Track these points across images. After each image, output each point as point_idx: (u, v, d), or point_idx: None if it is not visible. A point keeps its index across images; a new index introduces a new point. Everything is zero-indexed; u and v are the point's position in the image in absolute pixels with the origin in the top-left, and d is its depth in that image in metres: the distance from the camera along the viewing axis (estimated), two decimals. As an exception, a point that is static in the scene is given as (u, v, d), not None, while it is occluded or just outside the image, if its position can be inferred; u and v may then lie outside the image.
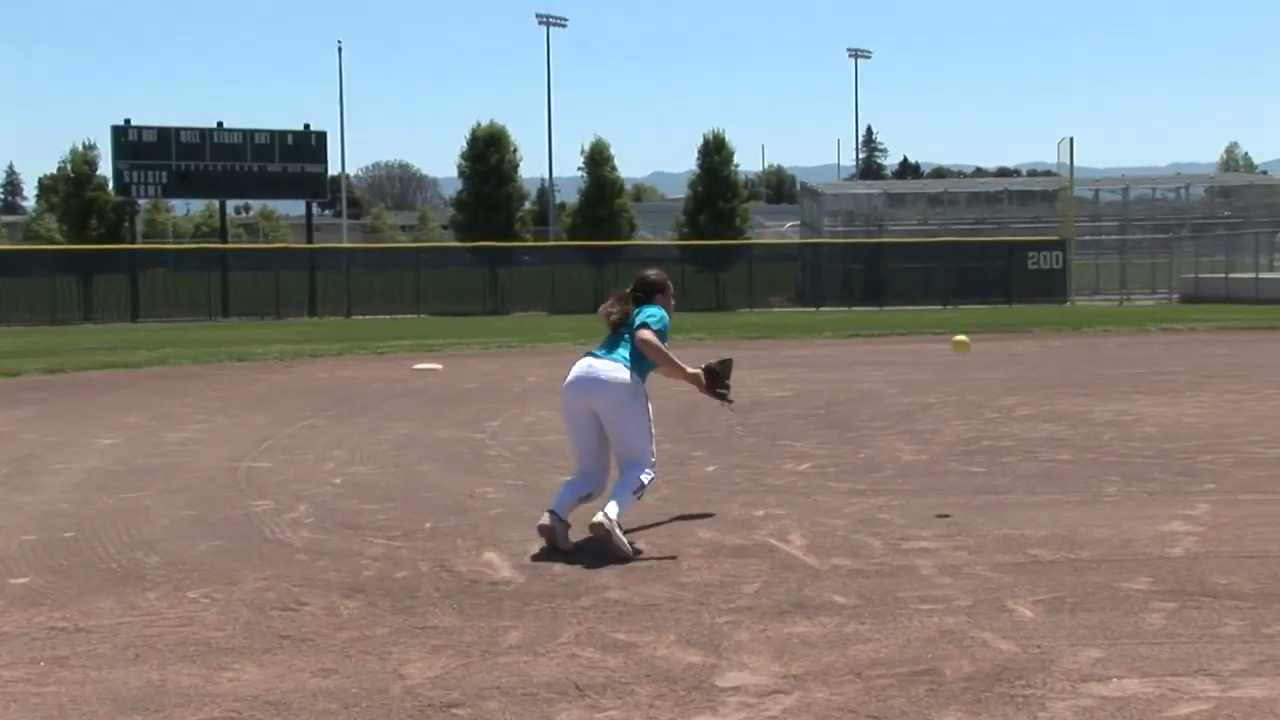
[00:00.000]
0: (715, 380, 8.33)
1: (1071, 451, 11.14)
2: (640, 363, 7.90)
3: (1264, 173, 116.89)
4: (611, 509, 7.49)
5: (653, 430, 7.93)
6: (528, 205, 67.82)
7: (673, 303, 8.37)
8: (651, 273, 8.38)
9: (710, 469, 10.56)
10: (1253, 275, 46.45)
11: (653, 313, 8.07)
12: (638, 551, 7.40)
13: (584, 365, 7.95)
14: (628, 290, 8.30)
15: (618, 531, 7.40)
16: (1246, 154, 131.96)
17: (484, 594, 6.66)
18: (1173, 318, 35.09)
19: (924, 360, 22.20)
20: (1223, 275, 49.06)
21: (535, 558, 7.40)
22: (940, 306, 48.08)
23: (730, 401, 8.50)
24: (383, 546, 7.83)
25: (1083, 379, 18.04)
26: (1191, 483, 9.45)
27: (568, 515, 7.66)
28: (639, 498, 7.80)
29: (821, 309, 48.90)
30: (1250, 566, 6.88)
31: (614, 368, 7.84)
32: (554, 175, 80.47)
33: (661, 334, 7.92)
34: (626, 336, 8.00)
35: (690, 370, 8.13)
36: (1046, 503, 8.77)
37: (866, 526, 8.08)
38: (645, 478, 7.78)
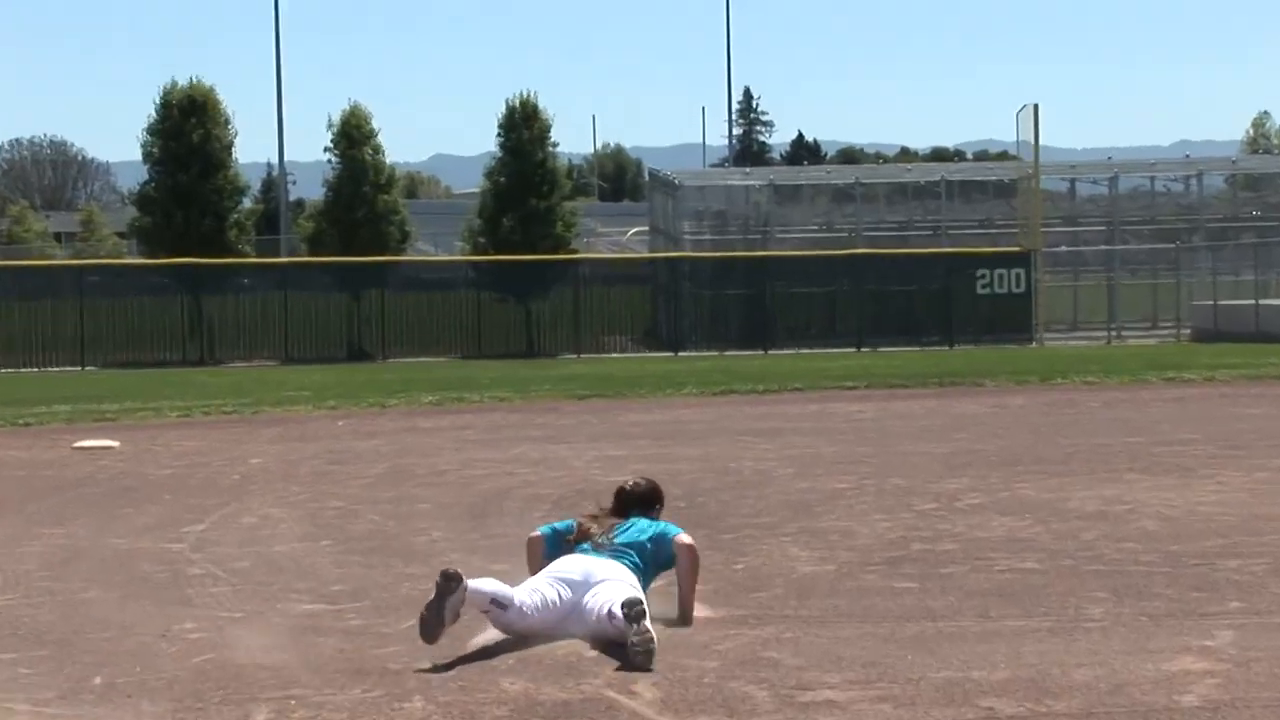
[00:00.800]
0: None
1: (1040, 557, 11.30)
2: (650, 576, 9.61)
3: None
4: None
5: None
6: (247, 203, 67.01)
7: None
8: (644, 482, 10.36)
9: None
10: (1296, 300, 47.85)
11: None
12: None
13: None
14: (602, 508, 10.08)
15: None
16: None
17: None
18: (1183, 363, 35.92)
19: (831, 427, 22.43)
20: (1252, 302, 50.36)
21: None
22: (852, 350, 48.57)
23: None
24: (28, 718, 7.67)
25: (1056, 453, 18.33)
26: (1210, 600, 9.63)
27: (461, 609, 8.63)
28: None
29: (682, 354, 49.16)
30: (1293, 720, 7.04)
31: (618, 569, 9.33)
32: (286, 158, 79.37)
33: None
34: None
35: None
36: (1005, 632, 8.88)
37: (748, 670, 8.09)
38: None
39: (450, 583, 8.58)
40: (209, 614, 9.98)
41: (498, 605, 8.82)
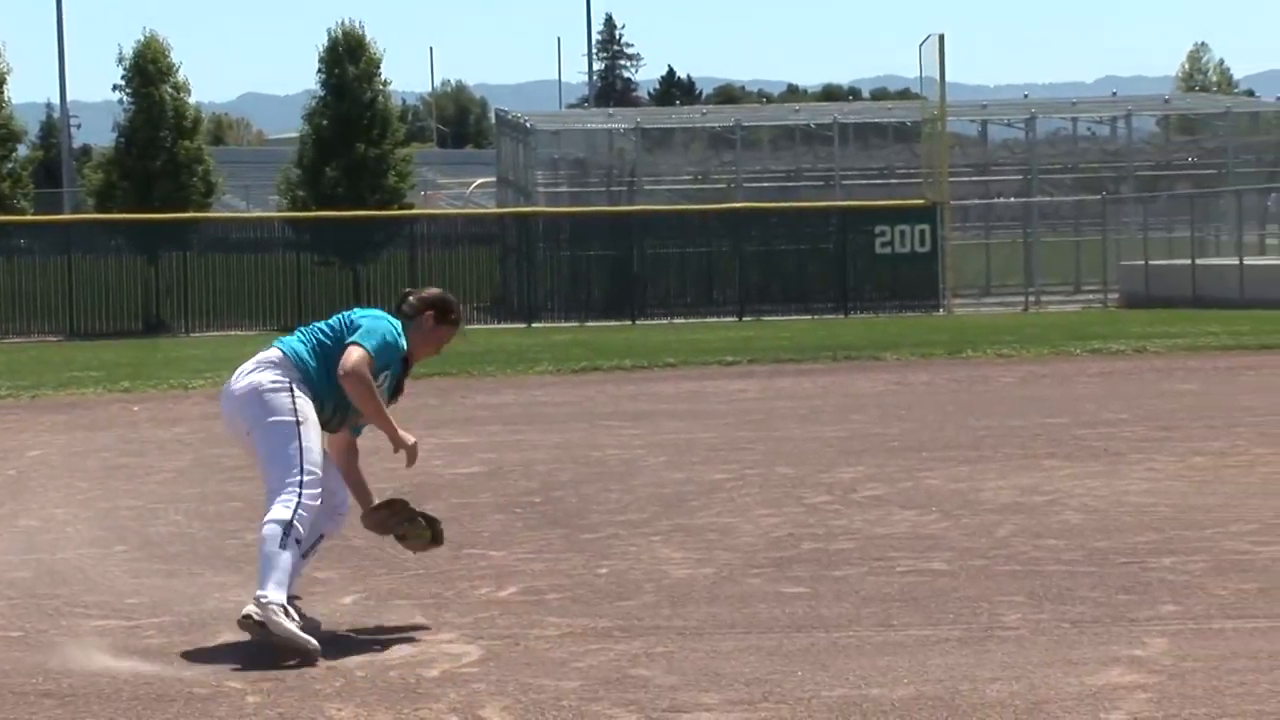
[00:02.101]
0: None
1: (948, 556, 11.40)
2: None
3: (1250, 93, 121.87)
4: (265, 586, 8.84)
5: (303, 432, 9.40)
6: (23, 150, 66.31)
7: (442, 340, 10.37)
8: (433, 290, 10.61)
9: (348, 599, 10.54)
10: (1235, 261, 48.38)
11: (378, 319, 9.89)
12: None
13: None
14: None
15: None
16: (1222, 63, 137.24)
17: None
18: (1110, 333, 36.27)
19: (708, 409, 22.53)
20: (1188, 262, 50.91)
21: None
22: (733, 319, 48.70)
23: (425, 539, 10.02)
24: None
25: (966, 437, 18.54)
26: (1141, 604, 9.75)
27: None
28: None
29: (536, 325, 49.09)
30: (1233, 741, 7.16)
31: (253, 368, 9.66)
32: (69, 98, 78.75)
33: (380, 345, 9.64)
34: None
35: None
36: (909, 642, 8.95)
37: (613, 690, 8.12)
38: (292, 510, 9.10)
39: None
40: (-19, 633, 9.89)
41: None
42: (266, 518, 8.99)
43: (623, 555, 11.80)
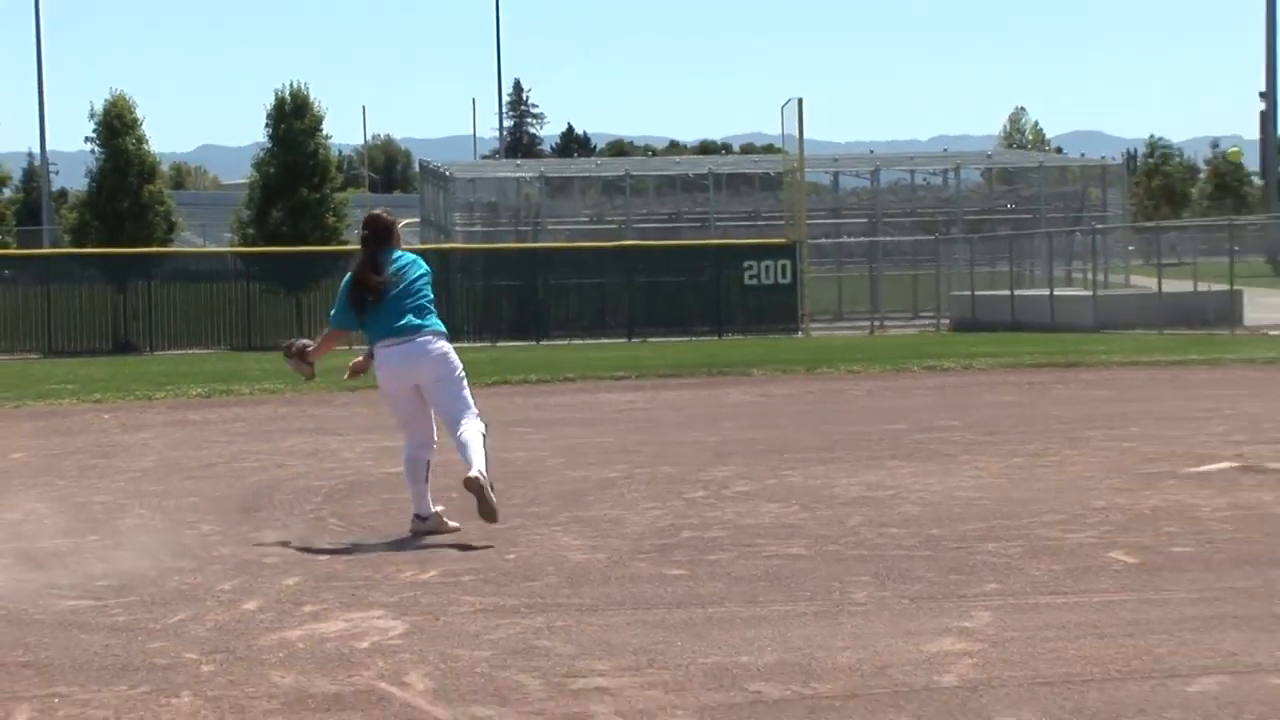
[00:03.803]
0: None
1: (806, 543, 11.42)
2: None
3: (1059, 150, 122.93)
4: (480, 463, 11.54)
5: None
6: (8, 193, 65.71)
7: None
8: (381, 211, 12.58)
9: (291, 580, 10.47)
10: (1046, 292, 48.85)
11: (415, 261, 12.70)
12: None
13: (405, 348, 12.13)
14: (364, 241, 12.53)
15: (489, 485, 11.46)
16: (1037, 124, 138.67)
17: None
18: (942, 352, 36.35)
19: (602, 417, 22.50)
20: (1007, 292, 51.38)
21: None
22: (624, 340, 48.70)
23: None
24: None
25: (821, 441, 18.54)
26: (969, 583, 9.82)
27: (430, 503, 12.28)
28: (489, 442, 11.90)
29: (455, 345, 48.91)
30: (1047, 697, 7.19)
31: (434, 338, 12.38)
32: (49, 148, 78.15)
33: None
34: (415, 295, 12.40)
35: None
36: (772, 616, 8.97)
37: (520, 658, 8.11)
38: (483, 423, 11.99)
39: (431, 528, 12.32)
40: (-26, 611, 9.78)
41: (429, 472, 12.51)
42: (472, 427, 11.90)
43: (528, 543, 11.78)
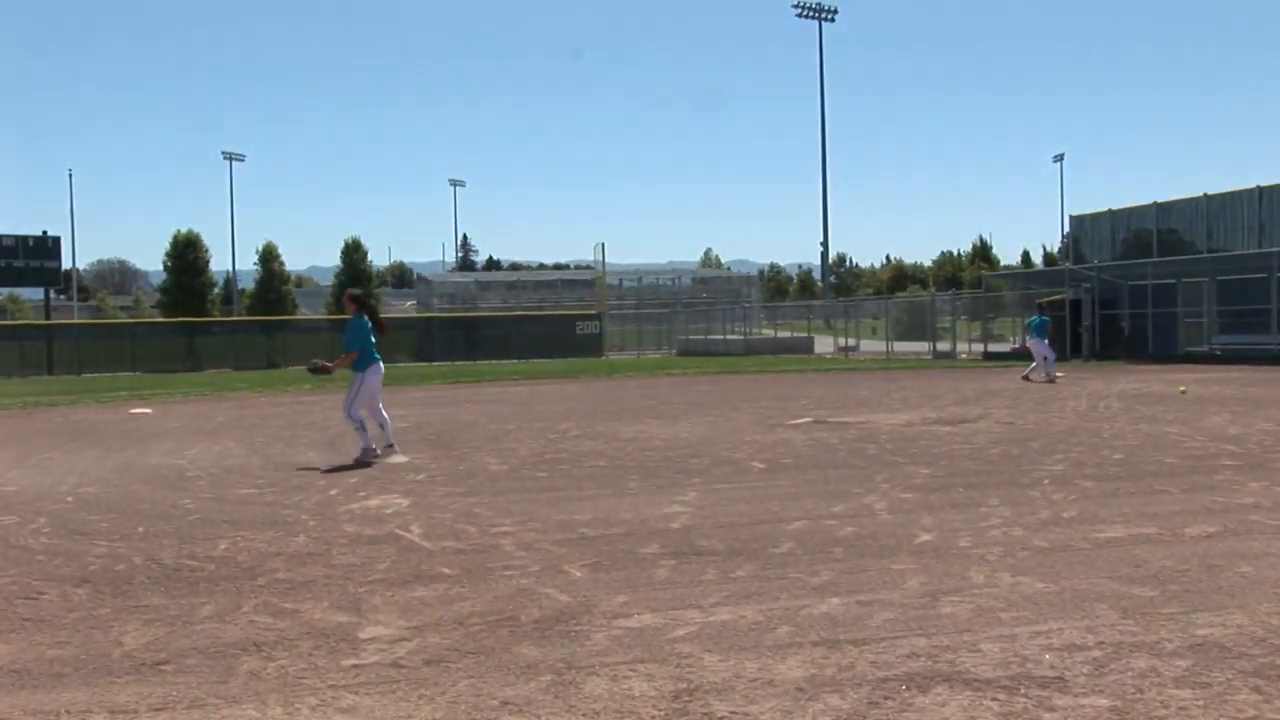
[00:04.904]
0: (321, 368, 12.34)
1: (606, 460, 11.41)
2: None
3: (729, 269, 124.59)
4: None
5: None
6: (216, 290, 64.03)
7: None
8: (353, 291, 11.90)
9: (353, 480, 10.25)
10: (721, 336, 49.72)
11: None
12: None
13: (380, 364, 11.69)
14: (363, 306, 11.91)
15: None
16: (717, 255, 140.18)
17: (185, 579, 6.35)
18: (672, 366, 36.70)
19: (506, 399, 22.37)
20: (703, 336, 52.02)
21: (224, 551, 7.07)
22: (518, 360, 48.30)
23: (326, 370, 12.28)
24: (105, 547, 7.31)
25: (614, 409, 18.61)
26: (685, 478, 9.85)
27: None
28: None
29: (433, 363, 48.21)
30: (722, 533, 7.29)
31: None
32: (236, 268, 76.98)
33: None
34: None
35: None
36: (590, 496, 8.97)
37: (466, 518, 8.06)
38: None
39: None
40: (196, 495, 9.43)
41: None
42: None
43: (470, 460, 11.62)
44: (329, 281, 75.95)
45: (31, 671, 4.72)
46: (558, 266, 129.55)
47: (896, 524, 7.41)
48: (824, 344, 48.23)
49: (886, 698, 4.09)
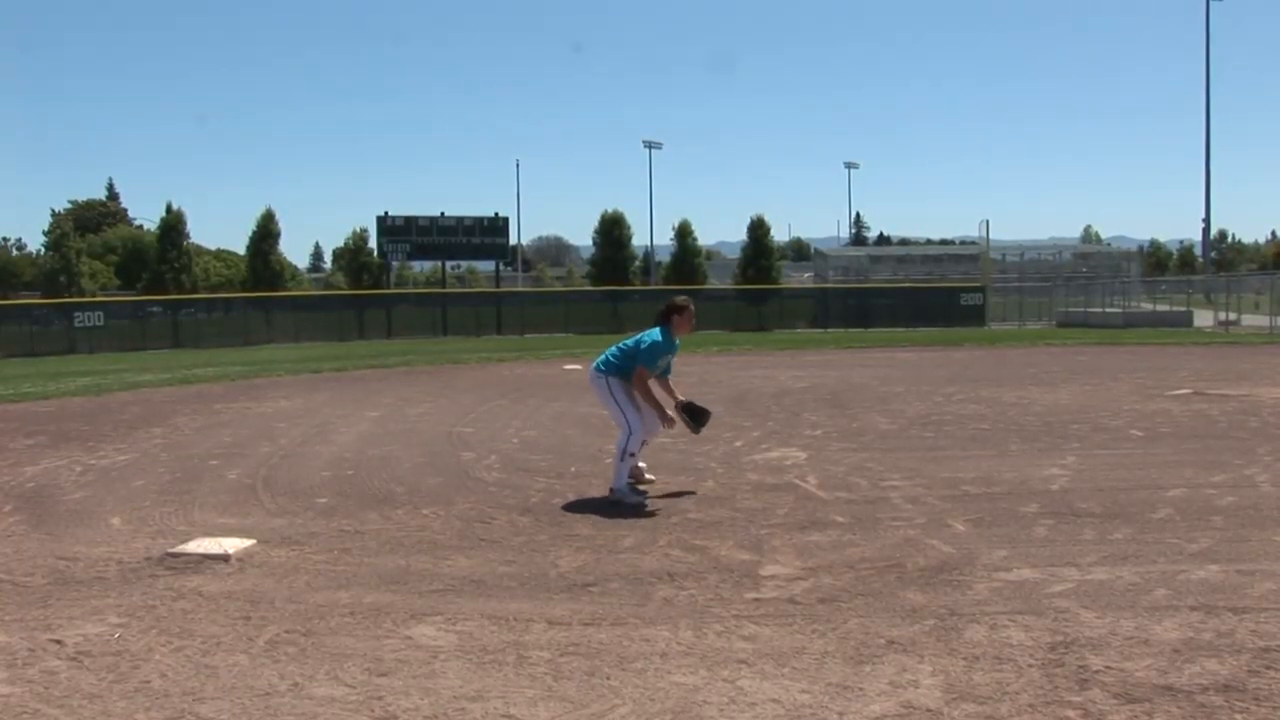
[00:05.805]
0: (691, 415, 7.19)
1: (989, 423, 10.91)
2: (623, 367, 6.98)
3: (1109, 244, 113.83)
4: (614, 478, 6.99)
5: (626, 407, 6.94)
6: (637, 263, 67.30)
7: (689, 323, 7.07)
8: (678, 298, 7.16)
9: (756, 434, 10.38)
10: (1100, 309, 45.73)
11: (648, 339, 6.99)
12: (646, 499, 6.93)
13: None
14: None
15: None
16: (1097, 231, 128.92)
17: (609, 512, 6.64)
18: (1052, 336, 34.19)
19: (895, 364, 21.93)
20: (1083, 309, 48.05)
21: (643, 487, 7.39)
22: (905, 328, 46.98)
23: (696, 430, 7.29)
24: (544, 482, 7.72)
25: (996, 376, 17.69)
26: (1065, 442, 9.28)
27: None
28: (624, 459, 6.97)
29: (828, 329, 48.02)
30: (1100, 496, 6.85)
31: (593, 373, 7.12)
32: (654, 243, 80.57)
33: (650, 357, 6.92)
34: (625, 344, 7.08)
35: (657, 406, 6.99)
36: (973, 455, 8.66)
37: (858, 471, 8.02)
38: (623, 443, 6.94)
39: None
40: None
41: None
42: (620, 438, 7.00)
43: (861, 419, 11.31)
44: (735, 255, 77.99)
45: (486, 583, 5.14)
46: (944, 242, 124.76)
47: (1288, 499, 6.57)
48: (1203, 318, 42.92)
49: (1268, 667, 3.71)
